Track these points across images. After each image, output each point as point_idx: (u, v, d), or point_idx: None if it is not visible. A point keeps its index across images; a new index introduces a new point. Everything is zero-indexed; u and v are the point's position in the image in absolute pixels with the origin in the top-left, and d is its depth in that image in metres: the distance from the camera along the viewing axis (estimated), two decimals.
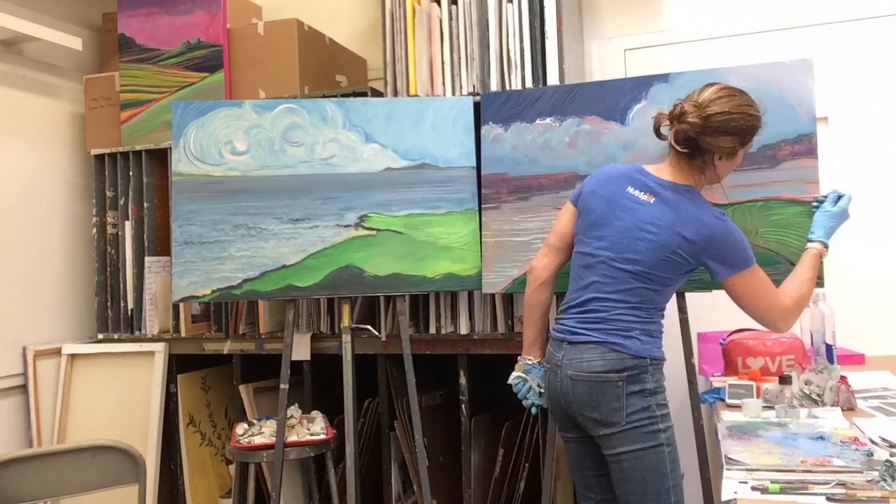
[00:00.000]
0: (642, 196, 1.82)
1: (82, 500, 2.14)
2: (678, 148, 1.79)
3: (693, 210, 1.77)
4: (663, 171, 1.85)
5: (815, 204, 2.03)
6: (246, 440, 2.43)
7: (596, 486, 1.92)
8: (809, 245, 1.94)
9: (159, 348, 2.88)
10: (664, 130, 1.85)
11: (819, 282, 2.02)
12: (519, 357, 2.07)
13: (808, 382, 1.95)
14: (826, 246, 1.95)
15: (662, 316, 1.87)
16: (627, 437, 1.75)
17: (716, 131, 1.75)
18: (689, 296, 2.15)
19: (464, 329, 2.54)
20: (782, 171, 2.06)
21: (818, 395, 1.91)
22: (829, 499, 1.28)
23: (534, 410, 2.05)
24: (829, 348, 2.29)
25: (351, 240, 2.33)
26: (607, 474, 1.86)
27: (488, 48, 2.55)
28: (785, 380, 1.96)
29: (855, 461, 1.44)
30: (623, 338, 1.78)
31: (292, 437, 2.41)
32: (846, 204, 1.99)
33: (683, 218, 1.76)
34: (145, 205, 2.97)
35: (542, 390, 2.01)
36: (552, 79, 2.47)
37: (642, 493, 1.76)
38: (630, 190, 1.84)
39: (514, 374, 2.05)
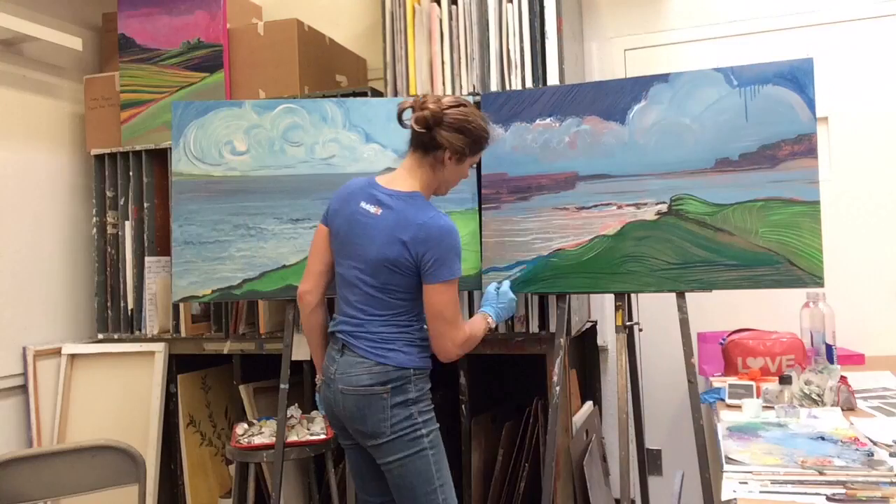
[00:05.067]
0: (371, 209, 1.89)
1: (82, 500, 2.14)
2: (416, 128, 1.85)
3: (414, 214, 1.85)
4: (394, 181, 1.92)
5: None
6: (246, 440, 2.43)
7: (375, 489, 1.99)
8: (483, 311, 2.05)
9: (159, 348, 2.88)
10: (406, 118, 1.89)
11: (819, 281, 2.02)
12: (316, 380, 2.09)
13: (808, 382, 1.95)
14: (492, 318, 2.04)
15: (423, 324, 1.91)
16: (393, 447, 1.83)
17: (450, 126, 1.85)
18: (689, 296, 2.15)
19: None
20: (782, 171, 2.06)
21: (818, 395, 1.91)
22: (829, 499, 1.28)
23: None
24: (829, 348, 2.29)
25: None
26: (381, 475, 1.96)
27: (488, 48, 2.55)
28: (785, 380, 1.96)
29: (855, 461, 1.44)
30: (387, 350, 1.85)
31: (292, 437, 2.41)
32: (506, 288, 2.12)
33: (404, 223, 1.84)
34: (145, 205, 2.97)
35: None
36: (552, 79, 2.47)
37: (412, 497, 1.86)
38: (363, 205, 1.91)
39: (321, 402, 2.07)
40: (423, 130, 1.85)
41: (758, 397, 1.94)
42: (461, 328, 1.88)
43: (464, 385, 2.57)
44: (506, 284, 2.15)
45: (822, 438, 1.61)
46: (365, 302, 1.88)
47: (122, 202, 3.00)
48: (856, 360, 2.47)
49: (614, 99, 2.22)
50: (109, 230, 3.02)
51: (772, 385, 1.98)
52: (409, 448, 1.85)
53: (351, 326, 1.89)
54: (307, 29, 2.91)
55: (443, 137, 1.85)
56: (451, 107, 1.86)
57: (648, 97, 2.18)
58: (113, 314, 3.00)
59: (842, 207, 2.78)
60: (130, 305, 2.96)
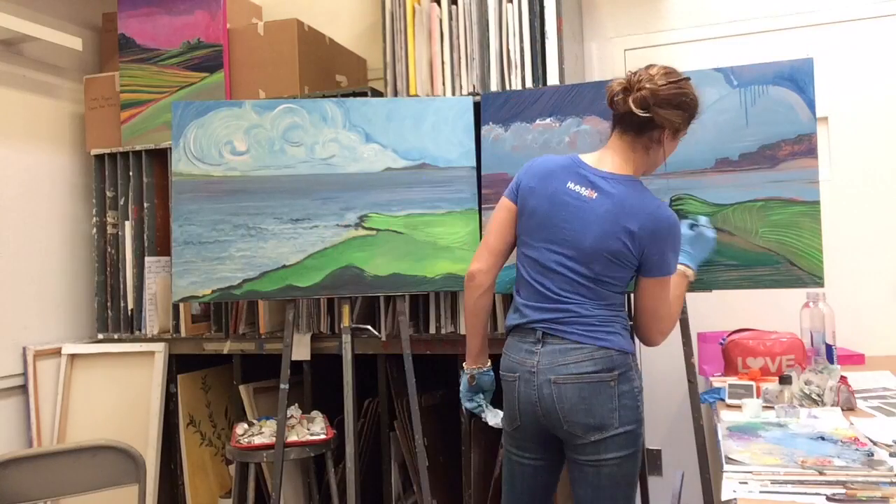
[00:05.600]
0: (584, 192, 1.74)
1: (82, 500, 2.14)
2: (636, 111, 1.70)
3: (639, 201, 1.72)
4: (603, 161, 1.78)
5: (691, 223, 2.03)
6: (246, 440, 2.43)
7: None
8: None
9: (159, 348, 2.88)
10: (618, 102, 1.76)
11: (819, 281, 2.02)
12: (465, 368, 1.94)
13: (808, 382, 1.94)
14: (692, 269, 1.95)
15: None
16: (616, 443, 1.69)
17: (668, 104, 1.72)
18: (689, 296, 2.14)
19: (464, 329, 2.54)
20: (782, 171, 2.06)
21: (818, 395, 1.91)
22: (829, 499, 1.28)
23: (493, 418, 1.95)
24: (829, 348, 2.29)
25: (351, 240, 2.33)
26: (549, 497, 1.86)
27: (488, 48, 2.55)
28: (785, 380, 1.96)
29: (855, 461, 1.44)
30: (607, 333, 1.71)
31: (292, 437, 2.41)
32: (704, 224, 2.01)
33: (629, 211, 1.70)
34: (145, 205, 2.97)
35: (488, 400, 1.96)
36: (552, 79, 2.47)
37: (612, 498, 1.72)
38: (571, 186, 1.75)
39: (469, 393, 1.94)
40: (643, 113, 1.70)
41: (758, 397, 1.94)
42: (672, 316, 1.80)
43: None
44: (703, 220, 1.98)
45: (822, 438, 1.61)
46: (571, 290, 1.73)
47: (122, 202, 3.00)
48: (856, 360, 2.47)
49: None
50: (109, 230, 3.02)
51: (772, 385, 1.98)
52: (630, 446, 1.70)
53: (554, 314, 1.73)
54: (307, 29, 2.91)
55: (661, 117, 1.71)
56: (666, 83, 1.71)
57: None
58: (113, 314, 3.00)
59: (842, 207, 2.78)
60: (130, 305, 2.96)
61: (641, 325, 1.81)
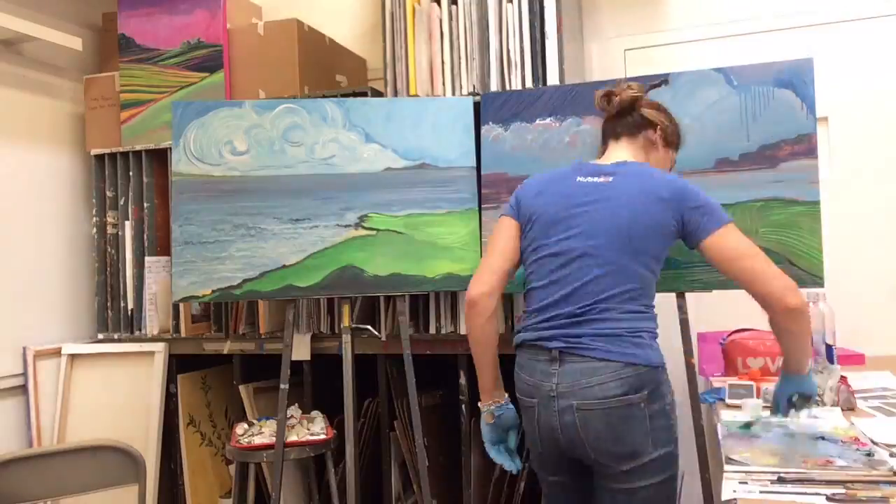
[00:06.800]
0: (599, 179, 1.68)
1: (82, 500, 2.14)
2: (624, 106, 1.78)
3: (656, 174, 1.69)
4: (608, 157, 1.80)
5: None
6: (246, 440, 2.43)
7: None
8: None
9: (159, 348, 2.88)
10: (604, 106, 1.83)
11: (819, 281, 2.02)
12: (482, 406, 1.74)
13: None
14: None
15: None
16: (652, 469, 1.53)
17: (650, 106, 1.82)
18: (689, 296, 2.15)
19: (464, 329, 2.54)
20: (782, 171, 2.06)
21: (818, 395, 1.91)
22: (829, 499, 1.28)
23: (516, 468, 1.77)
24: (829, 348, 2.29)
25: (351, 240, 2.33)
26: None
27: (488, 48, 2.55)
28: None
29: (855, 461, 1.44)
30: (635, 346, 1.53)
31: (292, 437, 2.41)
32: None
33: (651, 183, 1.65)
34: (145, 205, 2.97)
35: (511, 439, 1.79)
36: (552, 79, 2.47)
37: None
38: (581, 179, 1.70)
39: (494, 438, 1.75)
40: (630, 109, 1.79)
41: (758, 397, 1.94)
42: (767, 259, 1.58)
43: (464, 385, 2.56)
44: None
45: (823, 438, 1.61)
46: (603, 277, 1.57)
47: (122, 202, 3.00)
48: (856, 360, 2.47)
49: None
50: (109, 230, 3.02)
51: (772, 385, 1.97)
52: (668, 469, 1.54)
53: (573, 324, 1.56)
54: (307, 29, 2.91)
55: (649, 114, 1.78)
56: (645, 91, 1.84)
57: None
58: (113, 314, 3.00)
59: (842, 207, 2.78)
60: (130, 305, 2.96)
61: (749, 276, 1.58)
